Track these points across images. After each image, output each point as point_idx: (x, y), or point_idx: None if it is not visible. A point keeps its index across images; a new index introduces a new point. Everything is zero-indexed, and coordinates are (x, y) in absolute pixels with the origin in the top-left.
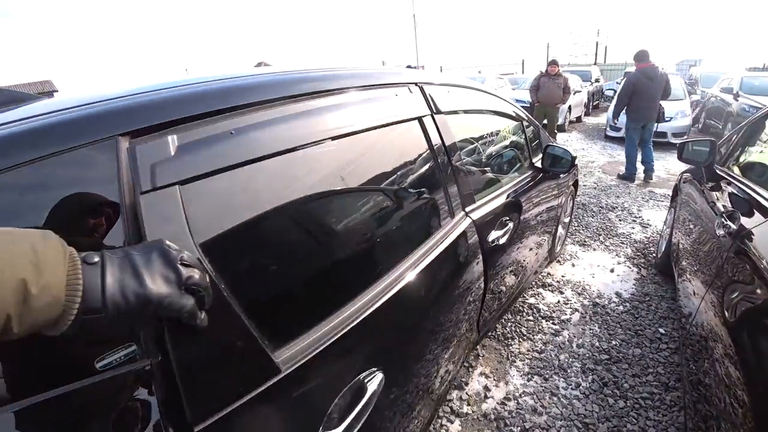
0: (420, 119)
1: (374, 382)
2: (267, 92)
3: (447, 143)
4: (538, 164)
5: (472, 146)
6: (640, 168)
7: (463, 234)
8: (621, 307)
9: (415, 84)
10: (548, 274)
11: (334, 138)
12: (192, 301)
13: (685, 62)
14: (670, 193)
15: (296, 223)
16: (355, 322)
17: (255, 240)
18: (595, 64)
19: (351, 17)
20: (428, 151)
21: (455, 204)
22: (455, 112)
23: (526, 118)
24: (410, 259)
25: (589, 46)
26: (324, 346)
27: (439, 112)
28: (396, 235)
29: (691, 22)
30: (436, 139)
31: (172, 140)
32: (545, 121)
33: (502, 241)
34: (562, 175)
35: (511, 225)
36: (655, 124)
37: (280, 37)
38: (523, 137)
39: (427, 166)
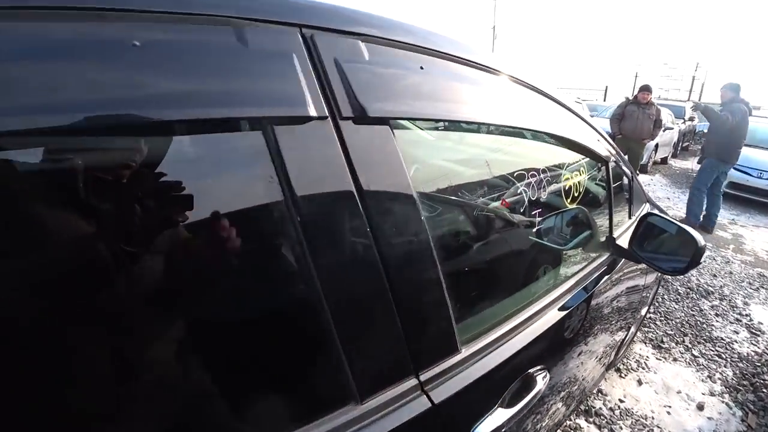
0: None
1: None
2: None
3: (377, 217)
4: (623, 241)
5: (482, 211)
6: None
7: None
8: None
9: (295, 26)
10: (599, 391)
11: None
12: None
13: None
14: None
15: None
16: None
17: None
18: (689, 100)
19: (428, 23)
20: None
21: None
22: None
23: (613, 158)
24: None
25: (683, 81)
26: None
27: (355, 116)
28: None
29: None
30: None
31: None
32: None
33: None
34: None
35: (545, 376)
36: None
37: None
38: (605, 192)
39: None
